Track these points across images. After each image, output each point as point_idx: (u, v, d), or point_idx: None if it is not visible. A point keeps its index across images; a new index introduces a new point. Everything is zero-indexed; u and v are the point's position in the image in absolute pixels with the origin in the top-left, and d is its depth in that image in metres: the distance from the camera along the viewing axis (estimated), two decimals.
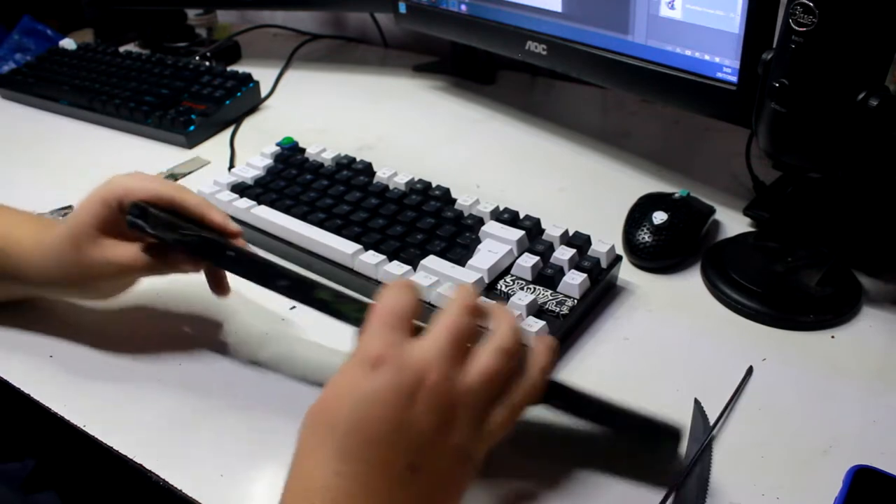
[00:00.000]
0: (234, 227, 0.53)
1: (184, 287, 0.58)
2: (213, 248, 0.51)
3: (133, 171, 0.54)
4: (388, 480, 0.36)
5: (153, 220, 0.50)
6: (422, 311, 0.41)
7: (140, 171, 0.54)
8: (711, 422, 0.47)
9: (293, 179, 0.71)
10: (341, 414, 0.37)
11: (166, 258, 0.53)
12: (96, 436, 0.49)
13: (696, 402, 0.49)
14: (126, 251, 0.52)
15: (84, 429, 0.49)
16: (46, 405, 0.51)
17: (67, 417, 0.50)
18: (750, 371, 0.51)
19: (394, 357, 0.37)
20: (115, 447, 0.48)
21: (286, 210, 0.67)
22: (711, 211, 0.66)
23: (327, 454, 0.36)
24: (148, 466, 0.46)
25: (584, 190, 0.75)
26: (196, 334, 0.58)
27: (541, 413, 0.45)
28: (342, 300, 0.46)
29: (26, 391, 0.52)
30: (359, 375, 0.37)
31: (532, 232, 0.61)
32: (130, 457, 0.47)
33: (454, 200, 0.66)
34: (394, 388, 0.36)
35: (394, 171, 0.70)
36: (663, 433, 0.45)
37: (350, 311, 0.45)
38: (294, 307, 0.58)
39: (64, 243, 0.52)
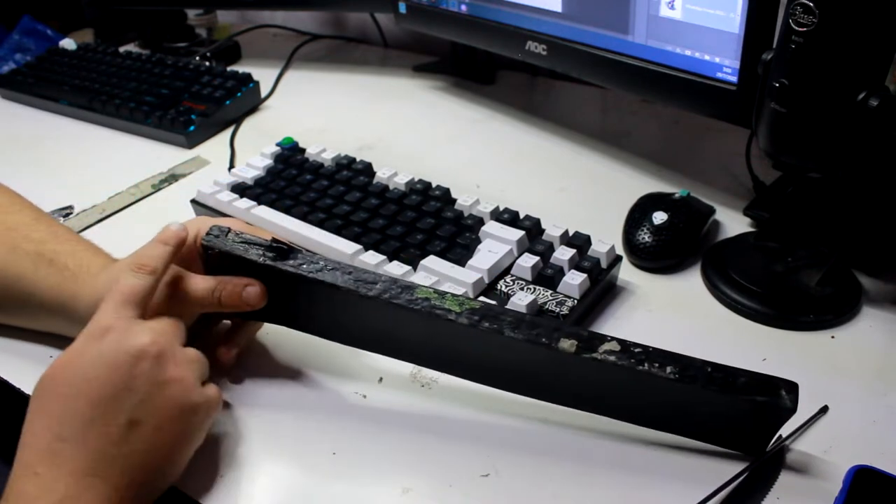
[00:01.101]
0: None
1: None
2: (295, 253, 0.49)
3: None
4: (108, 437, 0.40)
5: (233, 236, 0.49)
6: (155, 292, 0.46)
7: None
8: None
9: (293, 179, 0.71)
10: (66, 379, 0.41)
11: (234, 294, 0.49)
12: None
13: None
14: (192, 279, 0.49)
15: None
16: None
17: None
18: (824, 409, 0.49)
19: (120, 328, 0.42)
20: None
21: (286, 210, 0.67)
22: (711, 211, 0.66)
23: (51, 419, 0.40)
24: None
25: (584, 190, 0.75)
26: (193, 333, 0.58)
27: None
28: (447, 293, 0.47)
29: (26, 391, 0.52)
30: (86, 344, 0.42)
31: (532, 232, 0.61)
32: None
33: (454, 200, 0.66)
34: (116, 352, 0.41)
35: (394, 171, 0.70)
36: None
37: (454, 306, 0.46)
38: None
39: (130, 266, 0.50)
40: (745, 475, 0.43)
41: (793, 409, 0.42)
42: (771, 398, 0.42)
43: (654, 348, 0.44)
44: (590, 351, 0.44)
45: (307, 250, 0.49)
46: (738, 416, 0.44)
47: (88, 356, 0.41)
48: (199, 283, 0.49)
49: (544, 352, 0.44)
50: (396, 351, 0.50)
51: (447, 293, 0.47)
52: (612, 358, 0.44)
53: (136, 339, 0.42)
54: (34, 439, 0.40)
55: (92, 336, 0.42)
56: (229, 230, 0.49)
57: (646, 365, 0.43)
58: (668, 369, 0.43)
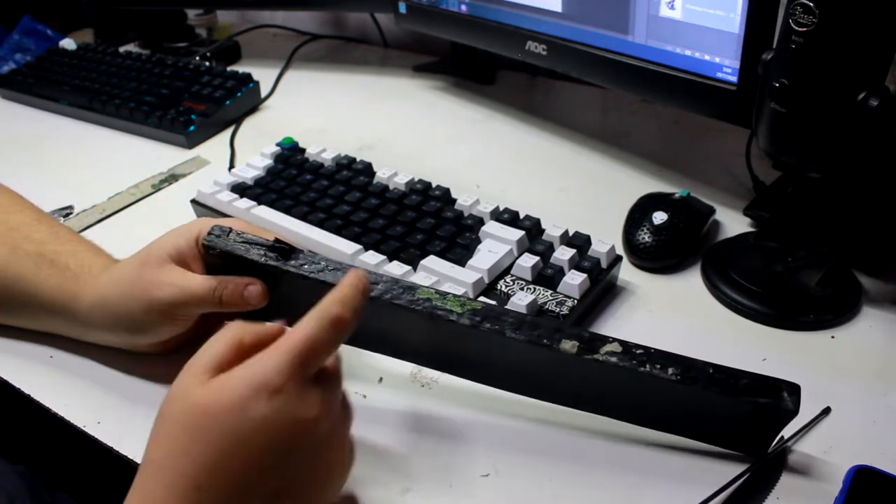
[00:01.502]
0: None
1: None
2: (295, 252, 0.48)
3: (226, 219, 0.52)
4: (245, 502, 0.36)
5: (235, 236, 0.49)
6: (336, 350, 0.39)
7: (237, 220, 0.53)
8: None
9: (293, 179, 0.71)
10: (224, 427, 0.36)
11: (235, 293, 0.48)
12: (96, 436, 0.49)
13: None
14: (193, 279, 0.48)
15: (84, 429, 0.49)
16: (46, 406, 0.51)
17: (68, 418, 0.50)
18: (827, 411, 0.49)
19: (292, 392, 0.36)
20: (116, 447, 0.48)
21: (286, 210, 0.67)
22: (711, 211, 0.66)
23: (196, 467, 0.35)
24: None
25: (584, 190, 0.75)
26: (196, 334, 0.58)
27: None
28: (448, 293, 0.46)
29: (26, 391, 0.52)
30: (252, 397, 0.36)
31: (532, 232, 0.61)
32: (131, 457, 0.47)
33: (454, 200, 0.66)
34: (282, 420, 0.36)
35: (394, 171, 0.70)
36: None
37: (455, 307, 0.46)
38: None
39: (132, 266, 0.50)
40: (746, 476, 0.43)
41: (795, 411, 0.42)
42: (773, 400, 0.42)
43: (655, 349, 0.44)
44: (591, 352, 0.44)
45: (309, 251, 0.49)
46: (740, 418, 0.44)
47: (252, 415, 0.36)
48: (200, 283, 0.49)
49: (546, 353, 0.44)
50: (397, 351, 0.50)
51: (448, 294, 0.47)
52: (614, 359, 0.44)
53: (308, 410, 0.37)
54: (171, 478, 0.36)
55: (257, 389, 0.36)
56: (230, 230, 0.49)
57: (647, 366, 0.43)
58: (670, 370, 0.43)
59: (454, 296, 0.46)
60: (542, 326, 0.45)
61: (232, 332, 0.39)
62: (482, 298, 0.55)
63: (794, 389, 0.43)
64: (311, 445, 0.38)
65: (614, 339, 0.45)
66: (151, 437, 0.38)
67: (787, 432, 0.45)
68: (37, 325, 0.56)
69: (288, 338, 0.37)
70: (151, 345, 0.52)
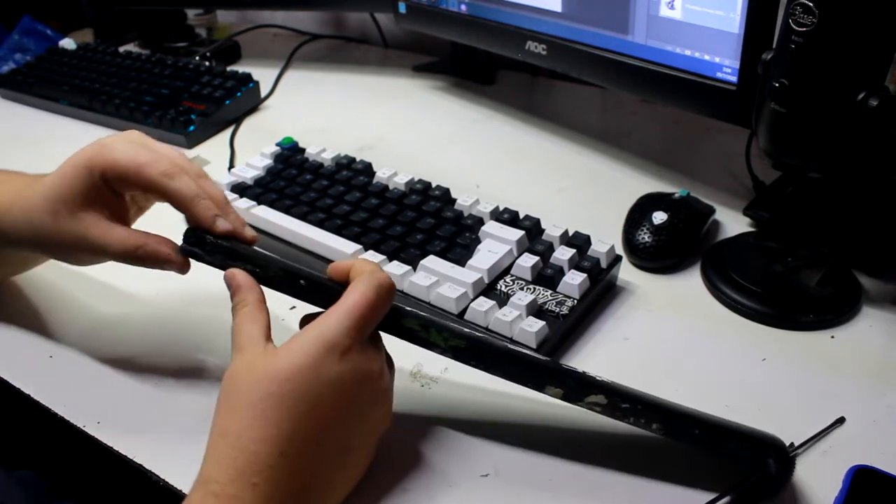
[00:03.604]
0: (250, 233, 0.49)
1: (184, 287, 0.58)
2: (292, 279, 0.46)
3: (125, 133, 0.50)
4: (325, 461, 0.40)
5: (210, 247, 0.47)
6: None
7: (133, 132, 0.50)
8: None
9: (293, 179, 0.71)
10: (300, 390, 0.39)
11: (153, 254, 0.47)
12: (97, 436, 0.49)
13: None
14: (110, 235, 0.47)
15: (84, 429, 0.49)
16: (46, 405, 0.51)
17: (67, 418, 0.50)
18: (841, 420, 0.48)
19: (357, 350, 0.41)
20: (116, 447, 0.48)
21: (286, 210, 0.67)
22: (711, 211, 0.66)
23: (280, 432, 0.38)
24: (148, 467, 0.46)
25: (584, 190, 0.75)
26: (197, 335, 0.58)
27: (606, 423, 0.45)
28: (431, 327, 0.45)
29: (26, 391, 0.52)
30: (322, 358, 0.39)
31: (532, 232, 0.61)
32: (131, 457, 0.47)
33: (454, 200, 0.66)
34: (352, 378, 0.40)
35: (394, 171, 0.70)
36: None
37: (439, 341, 0.45)
38: (294, 307, 0.58)
39: (41, 208, 0.48)
40: (747, 482, 0.43)
41: (779, 480, 0.42)
42: (758, 469, 0.42)
43: (643, 403, 0.43)
44: (575, 401, 0.44)
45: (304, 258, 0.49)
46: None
47: (325, 375, 0.39)
48: (121, 241, 0.47)
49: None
50: None
51: (432, 327, 0.45)
52: (598, 409, 0.44)
53: (373, 366, 0.42)
54: (255, 446, 0.38)
55: (328, 350, 0.39)
56: (204, 238, 0.47)
57: (631, 419, 0.43)
58: (654, 426, 0.43)
59: (437, 331, 0.45)
60: (527, 366, 0.44)
61: (257, 296, 0.44)
62: (482, 299, 0.55)
63: (783, 456, 0.42)
64: (373, 398, 0.42)
65: (601, 388, 0.43)
66: (220, 412, 0.40)
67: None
68: None
69: (347, 300, 0.41)
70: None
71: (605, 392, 0.43)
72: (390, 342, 0.46)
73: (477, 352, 0.45)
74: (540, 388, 0.44)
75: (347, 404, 0.41)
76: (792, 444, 0.45)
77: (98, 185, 0.48)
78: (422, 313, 0.45)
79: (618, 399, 0.43)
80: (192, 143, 0.88)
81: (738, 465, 0.43)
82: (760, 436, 0.43)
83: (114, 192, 0.49)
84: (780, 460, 0.42)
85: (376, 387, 0.42)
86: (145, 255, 0.47)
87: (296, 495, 0.39)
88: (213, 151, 0.86)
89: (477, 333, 0.46)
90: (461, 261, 0.59)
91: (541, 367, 0.44)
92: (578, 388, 0.44)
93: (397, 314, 0.45)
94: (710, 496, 0.43)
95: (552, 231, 0.61)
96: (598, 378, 0.44)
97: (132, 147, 0.48)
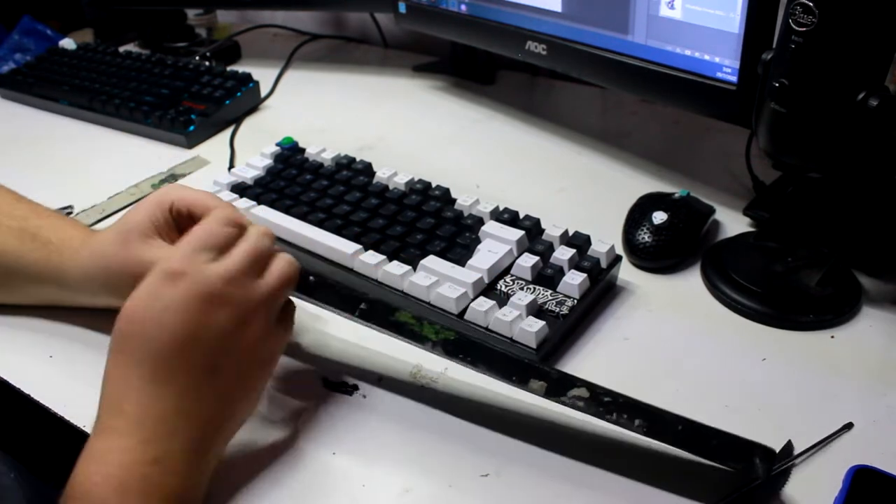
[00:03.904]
0: None
1: None
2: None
3: (194, 188, 0.53)
4: (193, 383, 0.42)
5: None
6: (235, 242, 0.45)
7: (204, 191, 0.53)
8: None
9: (293, 179, 0.71)
10: (143, 322, 0.41)
11: None
12: None
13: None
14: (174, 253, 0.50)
15: (84, 429, 0.49)
16: (46, 405, 0.51)
17: (67, 418, 0.50)
18: (849, 426, 0.47)
19: (193, 271, 0.42)
20: None
21: (286, 210, 0.67)
22: (711, 211, 0.66)
23: (132, 359, 0.41)
24: None
25: (584, 190, 0.75)
26: None
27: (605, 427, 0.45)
28: (422, 322, 0.47)
29: (26, 391, 0.52)
30: (159, 286, 0.42)
31: (532, 232, 0.61)
32: None
33: (454, 200, 0.66)
34: (192, 296, 0.41)
35: (394, 171, 0.70)
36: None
37: (430, 334, 0.47)
38: None
39: (113, 240, 0.51)
40: (748, 488, 0.43)
41: (765, 480, 0.41)
42: (743, 465, 0.42)
43: (624, 398, 0.44)
44: (557, 395, 0.44)
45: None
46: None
47: (162, 301, 0.41)
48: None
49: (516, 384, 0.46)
50: None
51: (425, 320, 0.48)
52: (580, 404, 0.44)
53: (209, 285, 0.42)
54: (118, 379, 0.41)
55: (166, 278, 0.42)
56: None
57: (613, 415, 0.43)
58: (637, 422, 0.43)
59: (429, 323, 0.47)
60: (511, 362, 0.46)
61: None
62: (482, 298, 0.55)
63: (768, 455, 0.42)
64: (223, 321, 0.42)
65: (583, 383, 0.44)
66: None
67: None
68: (25, 299, 0.58)
69: (191, 232, 0.44)
70: None
71: (586, 385, 0.44)
72: (391, 342, 0.46)
73: (464, 345, 0.46)
74: (524, 383, 0.45)
75: (197, 324, 0.41)
76: (792, 448, 0.45)
77: (166, 217, 0.51)
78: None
79: (600, 393, 0.44)
80: (192, 143, 0.88)
81: (724, 463, 0.43)
82: (745, 440, 0.43)
83: (178, 229, 0.51)
84: (765, 458, 0.42)
85: (221, 305, 0.42)
86: None
87: (164, 417, 0.40)
88: (213, 151, 0.86)
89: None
90: (461, 261, 0.59)
91: (525, 363, 0.46)
92: (561, 381, 0.44)
93: (389, 310, 0.47)
94: (708, 500, 0.43)
95: (552, 231, 0.61)
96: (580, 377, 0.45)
97: (197, 190, 0.52)
